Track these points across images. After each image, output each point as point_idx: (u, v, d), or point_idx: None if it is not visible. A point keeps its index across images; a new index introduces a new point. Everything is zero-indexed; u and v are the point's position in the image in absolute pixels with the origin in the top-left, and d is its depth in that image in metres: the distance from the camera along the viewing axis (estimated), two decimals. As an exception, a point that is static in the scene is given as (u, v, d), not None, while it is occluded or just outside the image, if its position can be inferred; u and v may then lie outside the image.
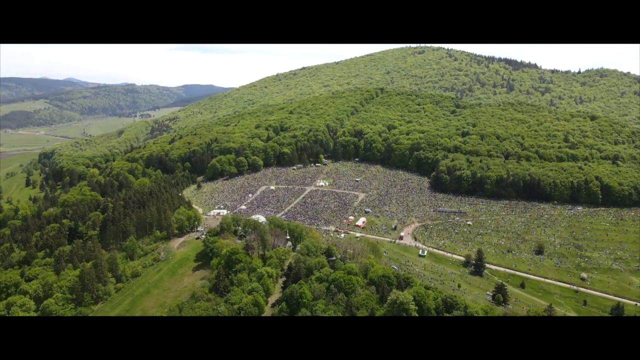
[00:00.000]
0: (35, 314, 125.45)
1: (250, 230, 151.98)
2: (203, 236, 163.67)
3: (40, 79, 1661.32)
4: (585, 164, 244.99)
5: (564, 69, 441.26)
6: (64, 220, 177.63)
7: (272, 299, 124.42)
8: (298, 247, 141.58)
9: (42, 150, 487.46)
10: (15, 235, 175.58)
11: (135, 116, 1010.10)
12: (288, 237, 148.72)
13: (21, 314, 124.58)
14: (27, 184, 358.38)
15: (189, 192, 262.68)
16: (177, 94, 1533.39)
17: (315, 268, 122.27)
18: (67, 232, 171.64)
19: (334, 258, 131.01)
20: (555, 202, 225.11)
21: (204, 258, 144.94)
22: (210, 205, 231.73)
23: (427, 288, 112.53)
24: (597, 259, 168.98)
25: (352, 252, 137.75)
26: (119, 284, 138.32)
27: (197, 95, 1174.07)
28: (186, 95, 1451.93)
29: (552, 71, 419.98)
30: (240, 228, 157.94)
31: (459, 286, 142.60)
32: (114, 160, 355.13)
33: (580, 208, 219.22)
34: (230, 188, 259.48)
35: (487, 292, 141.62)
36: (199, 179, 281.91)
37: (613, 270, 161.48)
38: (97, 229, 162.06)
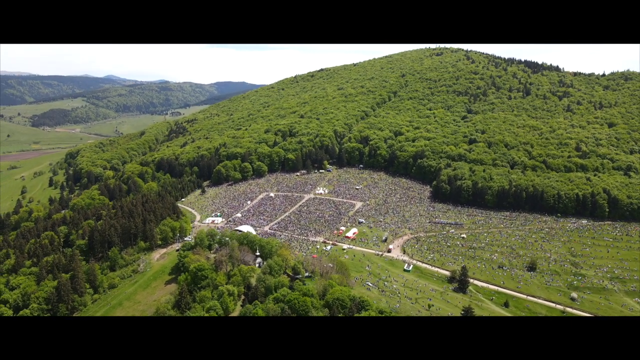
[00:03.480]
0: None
1: (222, 243, 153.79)
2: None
3: (81, 77, 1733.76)
4: (594, 175, 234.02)
5: (587, 71, 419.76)
6: (61, 227, 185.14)
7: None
8: (262, 265, 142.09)
9: (70, 149, 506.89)
10: (15, 241, 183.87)
11: (167, 114, 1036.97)
12: (258, 254, 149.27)
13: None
14: (50, 183, 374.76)
15: (193, 197, 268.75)
16: (209, 91, 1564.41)
17: (274, 288, 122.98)
18: (63, 240, 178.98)
19: (299, 276, 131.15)
20: (559, 214, 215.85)
21: (179, 272, 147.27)
22: (209, 211, 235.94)
23: (381, 312, 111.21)
24: (592, 278, 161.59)
25: (319, 270, 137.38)
26: (95, 295, 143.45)
27: (228, 93, 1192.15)
28: (218, 93, 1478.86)
29: (574, 74, 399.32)
30: (217, 241, 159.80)
31: (430, 307, 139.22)
32: (131, 162, 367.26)
33: (584, 221, 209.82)
34: (232, 194, 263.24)
35: (462, 312, 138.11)
36: (205, 183, 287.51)
37: (607, 290, 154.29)
38: (86, 238, 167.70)
